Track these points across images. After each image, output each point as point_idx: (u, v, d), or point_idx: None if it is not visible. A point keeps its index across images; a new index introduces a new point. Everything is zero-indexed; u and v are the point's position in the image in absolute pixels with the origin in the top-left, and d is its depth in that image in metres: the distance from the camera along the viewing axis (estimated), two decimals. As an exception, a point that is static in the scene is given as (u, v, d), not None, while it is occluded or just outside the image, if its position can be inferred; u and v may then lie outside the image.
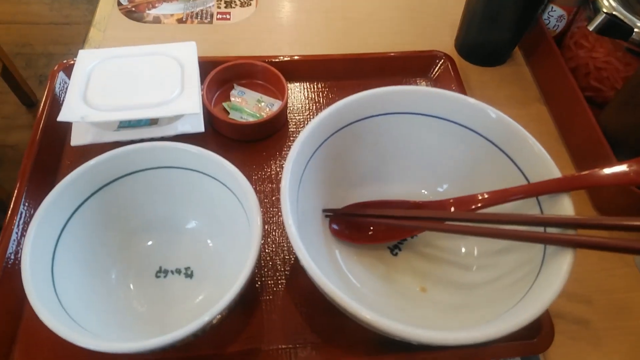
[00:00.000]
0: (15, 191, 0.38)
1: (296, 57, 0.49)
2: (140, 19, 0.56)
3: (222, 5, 0.58)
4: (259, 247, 0.29)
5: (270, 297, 0.36)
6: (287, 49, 0.54)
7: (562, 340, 0.35)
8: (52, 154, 0.43)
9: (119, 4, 0.57)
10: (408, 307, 0.34)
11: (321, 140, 0.34)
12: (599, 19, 0.43)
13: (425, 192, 0.40)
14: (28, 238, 0.29)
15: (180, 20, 0.56)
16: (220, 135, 0.45)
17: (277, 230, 0.39)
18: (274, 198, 0.41)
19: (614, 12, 0.42)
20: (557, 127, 0.49)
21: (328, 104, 0.34)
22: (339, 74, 0.50)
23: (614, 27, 0.42)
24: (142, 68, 0.43)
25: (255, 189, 0.32)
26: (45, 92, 0.45)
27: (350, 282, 0.35)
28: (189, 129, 0.41)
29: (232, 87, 0.48)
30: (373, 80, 0.47)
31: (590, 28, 0.43)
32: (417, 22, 0.58)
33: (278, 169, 0.43)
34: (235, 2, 0.59)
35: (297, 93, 0.49)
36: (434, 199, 0.37)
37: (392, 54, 0.51)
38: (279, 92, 0.47)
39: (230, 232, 0.35)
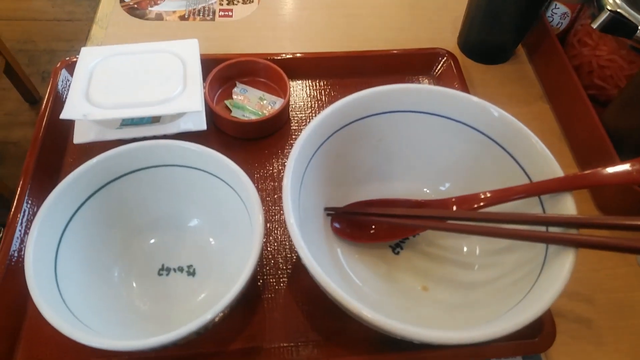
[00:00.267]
0: (19, 189, 0.38)
1: (298, 55, 0.49)
2: (142, 16, 0.56)
3: (224, 2, 0.58)
4: (261, 246, 0.29)
5: (272, 295, 0.36)
6: (290, 46, 0.54)
7: (564, 339, 0.35)
8: (55, 152, 0.43)
9: (121, 1, 0.57)
10: (410, 306, 0.34)
11: (323, 139, 0.34)
12: (603, 16, 0.42)
13: (427, 191, 0.40)
14: (31, 236, 0.29)
15: (182, 17, 0.56)
16: (223, 133, 0.45)
17: (279, 229, 0.39)
18: (275, 196, 0.41)
19: (618, 10, 0.42)
20: (560, 125, 0.49)
21: (330, 102, 0.34)
22: (342, 71, 0.49)
23: (618, 25, 0.42)
24: (144, 66, 0.43)
25: (257, 187, 0.32)
26: (48, 90, 0.45)
27: (351, 281, 0.35)
28: (191, 126, 0.41)
29: (234, 85, 0.48)
30: (375, 77, 0.47)
31: (594, 26, 0.43)
32: (420, 19, 0.58)
33: (280, 167, 0.43)
34: (237, -1, 0.58)
35: (300, 91, 0.49)
36: (436, 197, 0.36)
37: (395, 52, 0.50)
38: (281, 90, 0.47)
39: (233, 230, 0.35)
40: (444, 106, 0.36)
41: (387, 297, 0.35)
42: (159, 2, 0.57)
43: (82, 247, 0.33)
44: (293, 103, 0.48)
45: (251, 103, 0.46)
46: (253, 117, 0.45)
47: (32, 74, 1.32)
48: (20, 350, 0.33)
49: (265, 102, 0.46)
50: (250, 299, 0.36)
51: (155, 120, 0.42)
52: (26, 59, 1.39)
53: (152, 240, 0.37)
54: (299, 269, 0.37)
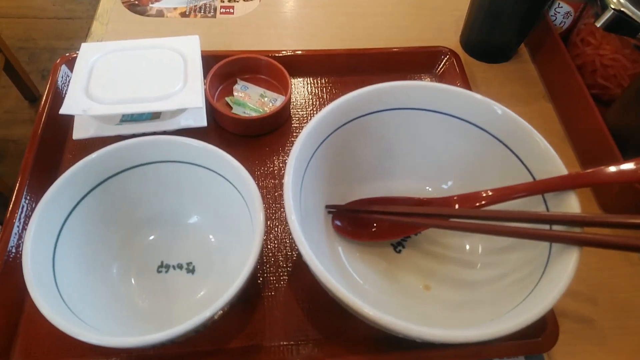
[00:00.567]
0: (17, 185, 0.38)
1: (300, 52, 0.49)
2: (143, 13, 0.55)
3: (226, -1, 0.58)
4: (261, 243, 0.29)
5: (272, 293, 0.36)
6: (291, 43, 0.54)
7: (566, 339, 0.34)
8: (54, 148, 0.42)
9: (122, -3, 0.57)
10: (411, 305, 0.34)
11: (324, 136, 0.34)
12: (607, 15, 0.42)
13: (430, 189, 0.39)
14: (29, 232, 0.29)
15: (183, 14, 0.56)
16: (223, 130, 0.44)
17: (279, 226, 0.39)
18: (276, 194, 0.41)
19: (622, 9, 0.41)
20: (562, 125, 0.49)
21: (331, 100, 0.34)
22: (343, 69, 0.49)
23: (622, 24, 0.42)
24: (145, 61, 0.42)
25: (258, 185, 0.32)
26: (48, 85, 0.45)
27: (352, 279, 0.35)
28: (191, 123, 0.41)
29: (235, 82, 0.47)
30: (377, 75, 0.47)
31: (598, 24, 0.43)
32: (422, 18, 0.57)
33: (281, 165, 0.43)
34: (238, -4, 0.58)
35: (301, 88, 0.49)
36: (438, 195, 0.36)
37: (397, 50, 0.50)
38: (282, 87, 0.47)
39: (233, 227, 0.35)
40: (447, 104, 0.35)
41: (389, 295, 0.34)
42: (160, -2, 0.57)
43: (80, 243, 0.32)
44: (294, 100, 0.47)
45: (252, 100, 0.46)
46: (254, 114, 0.44)
47: (32, 71, 1.32)
48: (17, 346, 0.33)
49: (266, 99, 0.46)
50: (250, 297, 0.35)
51: (155, 116, 0.42)
52: (26, 56, 1.39)
53: (152, 237, 0.36)
54: (299, 266, 0.37)
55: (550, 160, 0.31)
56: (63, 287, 0.29)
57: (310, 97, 0.48)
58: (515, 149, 0.34)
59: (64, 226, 0.31)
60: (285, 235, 0.39)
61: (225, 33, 0.54)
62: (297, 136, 0.32)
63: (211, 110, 0.44)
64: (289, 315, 0.35)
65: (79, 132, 0.40)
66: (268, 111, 0.44)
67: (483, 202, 0.33)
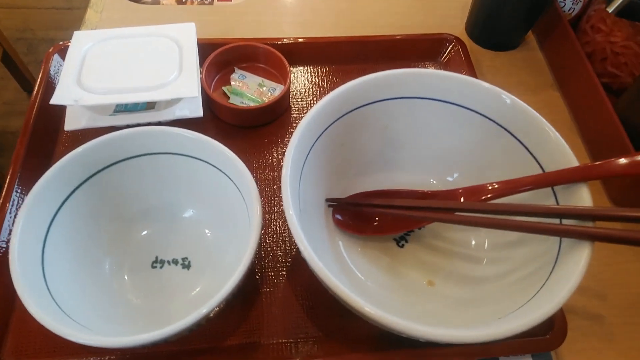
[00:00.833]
0: (8, 177, 0.37)
1: (300, 40, 0.48)
2: (138, 0, 0.54)
3: (224, -14, 0.56)
4: (258, 238, 0.28)
5: (271, 289, 0.35)
6: (291, 30, 0.52)
7: (575, 336, 0.33)
8: (47, 139, 0.41)
9: (117, -16, 0.55)
10: (415, 302, 0.33)
11: (325, 126, 0.33)
12: (620, 0, 0.41)
13: (434, 182, 0.38)
14: (16, 227, 0.28)
15: (179, 1, 0.54)
16: (220, 120, 0.43)
17: (278, 220, 0.38)
18: (275, 187, 0.40)
19: (635, -7, 0.40)
20: (571, 115, 0.47)
21: (332, 89, 0.33)
22: (344, 57, 0.48)
23: (635, 9, 0.40)
24: (139, 50, 0.41)
25: (255, 177, 0.31)
26: (40, 75, 0.44)
27: (353, 275, 0.34)
28: (187, 113, 0.40)
29: (233, 71, 0.46)
30: (380, 64, 0.46)
31: (610, 10, 0.41)
32: (426, 4, 0.56)
33: (280, 157, 0.42)
34: (237, -18, 0.56)
35: (300, 77, 0.47)
36: (443, 188, 0.35)
37: (400, 37, 0.49)
38: (282, 76, 0.45)
39: (229, 221, 0.34)
40: (453, 92, 0.34)
41: (391, 292, 0.33)
42: (155, -15, 0.55)
43: (71, 238, 0.31)
44: (294, 90, 0.46)
45: (250, 89, 0.45)
46: (252, 104, 0.43)
47: (31, 62, 1.31)
48: (8, 343, 0.32)
49: (264, 88, 0.45)
50: (248, 293, 0.34)
51: (149, 106, 0.40)
52: (24, 47, 1.38)
53: (145, 232, 0.35)
54: (299, 262, 0.36)
55: (561, 151, 0.30)
56: (53, 285, 0.28)
57: (311, 86, 0.47)
58: (525, 140, 0.32)
59: (54, 221, 0.30)
60: (284, 230, 0.38)
61: (222, 20, 0.53)
62: (296, 127, 0.31)
63: (207, 100, 0.42)
64: (288, 312, 0.34)
65: (71, 123, 0.39)
66: (267, 101, 0.43)
67: (490, 195, 0.32)
